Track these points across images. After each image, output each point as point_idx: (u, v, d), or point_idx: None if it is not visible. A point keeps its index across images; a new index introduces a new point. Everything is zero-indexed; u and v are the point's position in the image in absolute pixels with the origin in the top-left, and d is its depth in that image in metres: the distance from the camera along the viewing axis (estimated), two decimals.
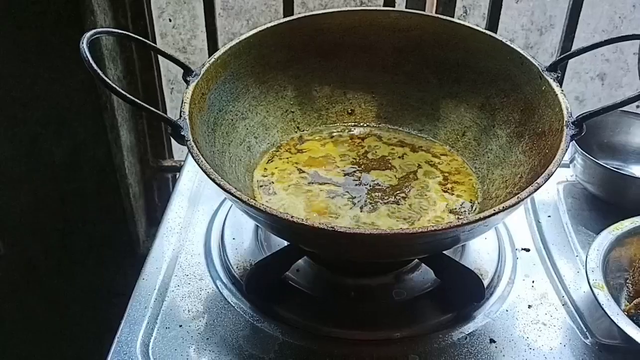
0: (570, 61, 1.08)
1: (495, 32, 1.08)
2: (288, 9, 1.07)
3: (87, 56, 0.64)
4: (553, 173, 0.61)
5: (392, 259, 0.70)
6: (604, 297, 0.64)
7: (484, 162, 0.78)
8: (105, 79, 0.63)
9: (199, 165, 0.62)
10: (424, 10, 1.07)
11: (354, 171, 0.79)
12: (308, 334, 0.67)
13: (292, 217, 0.57)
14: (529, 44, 1.40)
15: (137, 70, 1.14)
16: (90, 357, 1.33)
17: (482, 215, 0.57)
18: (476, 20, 1.41)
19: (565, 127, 0.66)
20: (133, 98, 0.65)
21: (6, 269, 1.26)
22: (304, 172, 0.78)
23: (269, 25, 0.83)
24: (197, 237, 0.79)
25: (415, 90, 0.86)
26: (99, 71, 0.63)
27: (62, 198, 1.15)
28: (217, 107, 0.76)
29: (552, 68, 0.73)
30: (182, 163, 1.24)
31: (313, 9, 1.40)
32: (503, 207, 0.58)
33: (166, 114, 1.23)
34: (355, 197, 0.75)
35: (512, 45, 0.78)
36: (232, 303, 0.70)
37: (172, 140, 1.26)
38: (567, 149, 0.64)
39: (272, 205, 0.74)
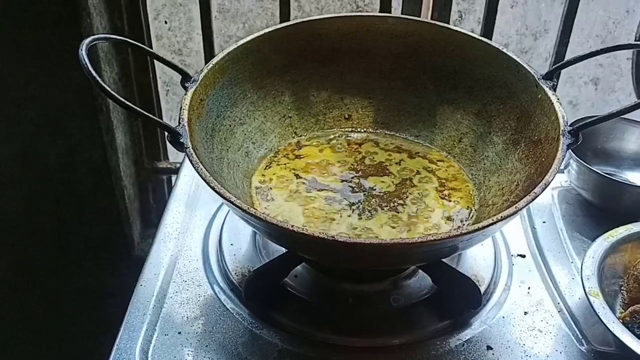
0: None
1: (491, 37, 1.09)
2: (284, 12, 1.07)
3: (86, 63, 0.64)
4: (550, 182, 0.61)
5: (390, 267, 0.71)
6: (600, 305, 0.65)
7: (480, 168, 0.79)
8: (105, 86, 0.63)
9: (199, 173, 0.62)
10: (420, 15, 1.08)
11: (352, 177, 0.79)
12: (306, 340, 0.67)
13: (292, 226, 0.57)
14: (524, 49, 1.41)
15: (132, 73, 1.13)
16: (87, 357, 1.33)
17: (480, 225, 0.57)
18: (471, 25, 1.42)
19: (561, 136, 0.66)
20: (132, 105, 0.65)
21: (2, 270, 1.25)
22: (301, 178, 0.79)
23: (266, 30, 0.83)
24: (195, 243, 0.79)
25: (412, 96, 0.86)
26: (98, 78, 0.63)
27: (57, 199, 1.15)
28: (215, 113, 0.76)
29: (548, 76, 0.74)
30: (177, 165, 1.25)
31: (310, 12, 1.40)
32: (501, 216, 0.58)
33: (161, 116, 1.24)
34: (353, 204, 0.75)
35: (508, 53, 0.78)
36: (230, 309, 0.70)
37: (168, 143, 1.26)
38: (563, 158, 0.64)
39: (270, 211, 0.74)
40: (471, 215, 0.74)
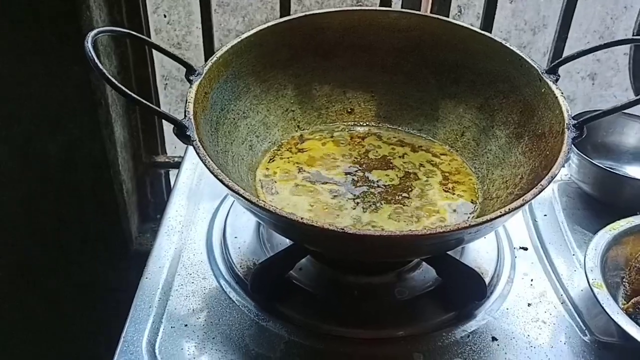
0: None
1: (490, 32, 1.10)
2: (285, 6, 1.07)
3: (92, 56, 0.64)
4: (556, 175, 0.62)
5: (397, 259, 0.71)
6: (604, 296, 0.66)
7: (483, 162, 0.80)
8: (112, 79, 0.63)
9: (206, 166, 0.62)
10: (420, 10, 1.08)
11: (356, 171, 0.80)
12: (313, 333, 0.67)
13: (301, 218, 0.57)
14: (522, 44, 1.41)
15: (131, 66, 1.13)
16: (86, 354, 1.32)
17: (489, 217, 0.58)
18: (470, 20, 1.42)
19: (566, 130, 0.67)
20: (139, 98, 0.64)
21: (2, 269, 1.25)
22: (305, 171, 0.79)
23: (269, 24, 0.83)
24: (199, 236, 0.79)
25: (414, 90, 0.87)
26: (105, 71, 0.63)
27: (57, 195, 1.14)
28: (220, 106, 0.76)
29: (551, 70, 0.74)
30: (175, 159, 1.25)
31: (309, 7, 1.40)
32: (509, 208, 0.59)
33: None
34: (357, 197, 0.75)
35: (511, 47, 0.79)
36: (236, 302, 0.70)
37: (165, 136, 1.26)
38: (569, 151, 0.65)
39: (275, 204, 0.74)
40: (475, 208, 0.75)
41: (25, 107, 1.05)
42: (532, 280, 0.75)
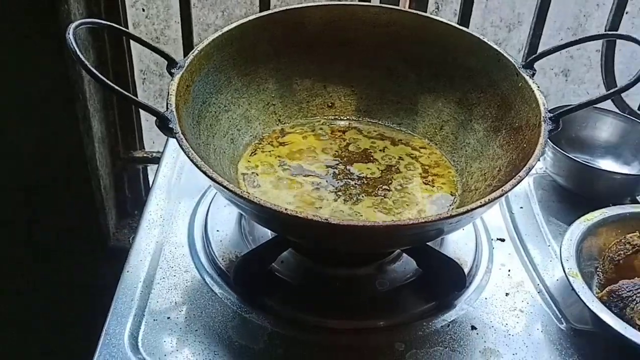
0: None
1: (467, 29, 1.11)
2: (264, 0, 1.07)
3: (74, 47, 0.63)
4: (534, 166, 0.64)
5: (379, 250, 0.72)
6: (579, 284, 0.68)
7: (462, 155, 0.81)
8: (94, 70, 0.63)
9: (190, 158, 0.62)
10: (398, 5, 1.09)
11: (337, 163, 0.80)
12: (296, 324, 0.68)
13: (285, 209, 0.58)
14: (498, 41, 1.43)
15: (109, 60, 1.12)
16: (62, 349, 1.31)
17: (469, 207, 0.59)
18: (448, 16, 1.44)
19: (543, 123, 0.69)
20: (121, 90, 0.64)
21: None
22: (287, 164, 0.79)
23: (250, 17, 0.83)
24: (180, 230, 0.79)
25: (394, 84, 0.88)
26: (87, 63, 0.62)
27: (32, 190, 1.13)
28: (201, 99, 0.76)
29: (528, 65, 0.76)
30: (154, 155, 1.24)
31: (289, 1, 1.40)
32: (489, 199, 0.60)
33: None
34: (339, 190, 0.76)
35: (489, 43, 0.80)
36: (219, 294, 0.70)
37: (143, 132, 1.25)
38: (546, 144, 0.67)
39: (258, 197, 0.74)
40: (455, 200, 0.76)
41: (0, 99, 1.03)
42: (509, 270, 0.77)
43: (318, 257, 0.74)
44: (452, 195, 0.77)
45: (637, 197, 0.88)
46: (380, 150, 0.83)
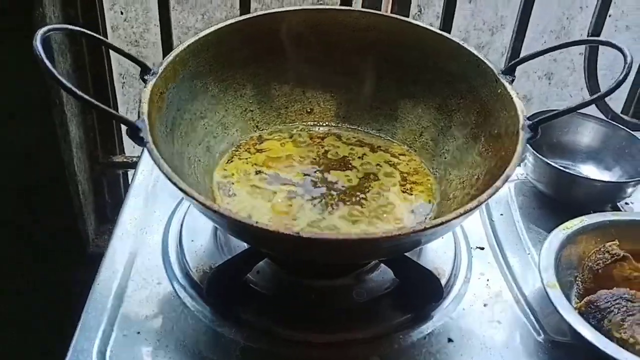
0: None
1: (449, 32, 1.10)
2: (245, 4, 1.06)
3: (40, 55, 0.61)
4: (511, 175, 0.63)
5: (354, 262, 0.71)
6: (557, 295, 0.67)
7: (441, 162, 0.80)
8: (61, 79, 0.61)
9: (160, 169, 0.61)
10: (380, 9, 1.08)
11: (315, 171, 0.79)
12: (270, 337, 0.66)
13: (255, 222, 0.56)
14: (481, 44, 1.42)
15: (87, 64, 1.10)
16: (59, 350, 1.28)
17: (444, 219, 0.58)
18: (430, 20, 1.43)
19: (521, 130, 0.67)
20: (90, 99, 0.63)
21: None
22: (263, 172, 0.78)
23: (228, 22, 0.81)
24: (154, 239, 0.77)
25: (374, 89, 0.86)
26: (54, 71, 0.61)
27: (9, 196, 1.11)
28: (176, 106, 0.75)
29: (507, 71, 0.75)
30: (134, 159, 1.22)
31: (269, 4, 1.39)
32: (464, 210, 0.59)
33: (117, 109, 1.21)
34: (315, 198, 0.75)
35: (468, 48, 0.79)
36: (191, 307, 0.69)
37: (123, 136, 1.23)
38: (523, 152, 0.66)
39: (233, 207, 0.73)
40: (433, 209, 0.75)
41: None
42: (488, 280, 0.76)
43: (294, 267, 0.73)
44: (430, 203, 0.76)
45: (618, 204, 0.88)
46: (358, 157, 0.82)
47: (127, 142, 1.24)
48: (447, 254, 0.78)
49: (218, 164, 0.79)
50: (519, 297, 0.74)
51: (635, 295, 0.68)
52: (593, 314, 0.67)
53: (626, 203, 0.89)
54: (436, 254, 0.77)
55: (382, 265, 0.74)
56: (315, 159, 0.81)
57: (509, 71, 0.75)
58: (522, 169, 0.91)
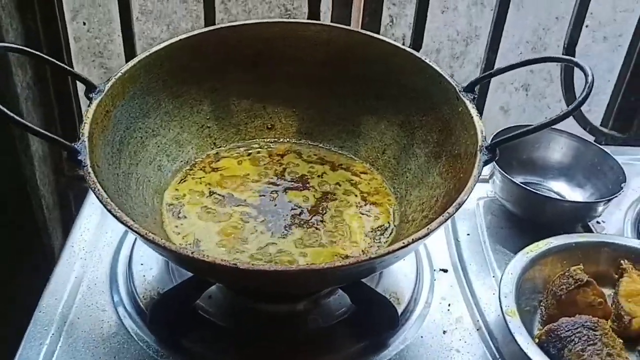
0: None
1: (421, 42, 1.08)
2: (210, 15, 1.03)
3: None
4: (464, 202, 0.60)
5: (299, 292, 0.68)
6: (516, 325, 0.64)
7: (402, 182, 0.77)
8: None
9: (95, 193, 0.58)
10: (350, 20, 1.06)
11: (271, 191, 0.76)
12: None
13: (192, 253, 0.54)
14: (455, 54, 1.40)
15: (48, 76, 1.07)
16: None
17: (391, 248, 0.55)
18: (402, 30, 1.40)
19: (478, 152, 0.65)
20: (19, 119, 0.60)
21: None
22: (216, 193, 0.75)
23: (182, 37, 0.79)
24: (103, 263, 0.75)
25: (337, 105, 0.84)
26: None
27: None
28: (124, 124, 0.72)
29: (469, 88, 0.72)
30: None
31: (236, 15, 1.36)
32: (412, 239, 0.56)
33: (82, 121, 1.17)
34: (270, 222, 0.72)
35: (430, 64, 0.76)
36: (135, 337, 0.66)
37: None
38: (479, 176, 0.63)
39: (182, 230, 0.70)
40: (391, 232, 0.72)
41: None
42: (449, 305, 0.73)
43: (247, 293, 0.70)
44: (388, 225, 0.73)
45: (589, 223, 0.85)
46: (318, 175, 0.79)
47: None
48: (409, 277, 0.75)
49: (170, 184, 0.76)
50: (481, 323, 0.71)
51: (597, 323, 0.65)
52: (554, 343, 0.64)
53: (597, 222, 0.86)
54: (397, 277, 0.75)
55: (339, 290, 0.71)
56: (272, 178, 0.78)
57: (471, 88, 0.72)
58: (491, 186, 0.88)
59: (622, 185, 0.81)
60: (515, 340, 0.62)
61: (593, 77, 0.62)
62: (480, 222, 0.86)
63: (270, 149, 0.83)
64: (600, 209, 0.82)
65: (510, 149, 0.84)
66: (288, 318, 0.70)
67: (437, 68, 0.76)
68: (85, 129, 0.64)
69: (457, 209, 0.59)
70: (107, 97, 0.69)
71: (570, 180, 0.90)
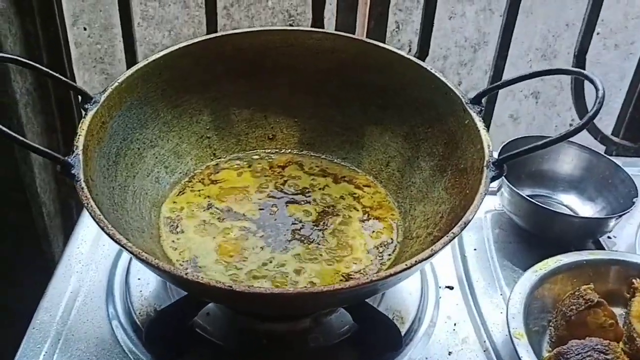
0: (504, 78, 1.06)
1: (428, 49, 1.05)
2: (212, 21, 1.01)
3: None
4: (469, 221, 0.58)
5: (300, 313, 0.66)
6: (524, 347, 0.62)
7: (406, 196, 0.75)
8: None
9: (88, 211, 0.56)
10: (355, 26, 1.03)
11: (271, 205, 0.74)
12: None
13: (185, 274, 0.52)
14: (463, 61, 1.37)
15: (49, 82, 1.05)
16: None
17: (392, 271, 0.53)
18: (409, 36, 1.38)
19: (485, 168, 0.62)
20: (10, 132, 0.58)
21: None
22: (215, 207, 0.73)
23: (181, 45, 0.77)
24: (100, 277, 0.73)
25: (340, 115, 0.82)
26: None
27: None
28: (121, 136, 0.70)
29: (476, 100, 0.70)
30: None
31: (239, 21, 1.34)
32: (416, 260, 0.54)
33: None
34: (269, 237, 0.70)
35: (436, 74, 0.74)
36: (130, 355, 0.64)
37: None
38: (486, 193, 0.60)
39: (179, 246, 0.68)
40: (395, 248, 0.70)
41: None
42: (455, 324, 0.71)
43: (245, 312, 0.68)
44: (391, 241, 0.71)
45: (600, 239, 0.82)
46: (320, 188, 0.77)
47: None
48: (413, 295, 0.73)
49: (168, 196, 0.74)
50: (488, 344, 0.69)
51: (609, 346, 0.62)
52: None
53: (609, 237, 0.84)
54: (401, 295, 0.72)
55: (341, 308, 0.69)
56: (272, 191, 0.76)
57: (478, 100, 0.70)
58: (499, 199, 0.86)
59: (634, 200, 0.79)
60: None
61: (604, 91, 0.60)
62: (488, 237, 0.83)
63: (271, 160, 0.81)
64: (611, 224, 0.79)
65: (519, 160, 0.81)
66: (288, 337, 0.68)
67: (444, 79, 0.74)
68: (80, 142, 0.62)
69: (462, 229, 0.57)
70: (102, 108, 0.67)
71: (581, 194, 0.87)
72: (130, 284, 0.71)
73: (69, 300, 0.70)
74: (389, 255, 0.69)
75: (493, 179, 0.62)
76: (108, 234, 0.54)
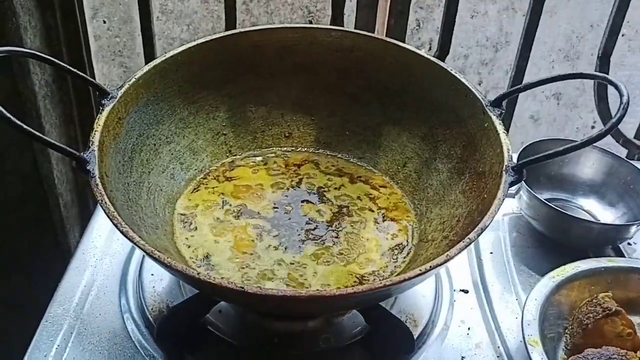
0: (526, 79, 1.05)
1: (449, 48, 1.04)
2: (231, 16, 1.01)
3: None
4: (487, 227, 0.57)
5: (311, 315, 0.65)
6: (538, 355, 0.60)
7: (423, 198, 0.74)
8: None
9: (102, 207, 0.56)
10: (375, 24, 1.02)
11: (286, 204, 0.74)
12: None
13: (197, 273, 0.52)
14: (484, 61, 1.35)
15: (68, 76, 1.06)
16: None
17: (407, 275, 0.52)
18: (429, 35, 1.36)
19: (504, 173, 0.61)
20: (24, 126, 0.58)
21: None
22: (230, 204, 0.73)
23: (199, 41, 0.76)
24: (114, 271, 0.73)
25: (357, 114, 0.81)
26: None
27: None
28: (137, 131, 0.70)
29: (496, 103, 0.69)
30: None
31: (258, 16, 1.33)
32: (430, 266, 0.53)
33: None
34: (283, 236, 0.69)
35: (457, 75, 0.73)
36: (142, 351, 0.64)
37: None
38: (504, 198, 0.59)
39: (193, 243, 0.68)
40: (409, 251, 0.69)
41: None
42: (469, 328, 0.70)
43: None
44: (406, 244, 0.70)
45: (620, 245, 0.81)
46: (335, 188, 0.76)
47: None
48: (427, 298, 0.72)
49: (182, 193, 0.74)
50: (501, 350, 0.68)
51: (626, 356, 0.61)
52: None
53: (629, 244, 0.82)
54: (414, 298, 0.72)
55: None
56: (288, 189, 0.76)
57: (498, 103, 0.68)
58: (517, 202, 0.85)
59: None
60: None
61: (629, 97, 0.58)
62: (505, 240, 0.82)
63: (287, 158, 0.80)
64: (632, 231, 0.77)
65: (538, 164, 0.80)
66: (300, 336, 0.67)
67: (464, 80, 0.72)
68: (96, 138, 0.62)
69: (479, 234, 0.56)
70: (119, 104, 0.67)
71: (602, 199, 0.85)
72: (143, 279, 0.71)
73: (82, 293, 0.70)
74: (404, 257, 0.68)
75: (512, 184, 0.61)
76: (121, 231, 0.54)
